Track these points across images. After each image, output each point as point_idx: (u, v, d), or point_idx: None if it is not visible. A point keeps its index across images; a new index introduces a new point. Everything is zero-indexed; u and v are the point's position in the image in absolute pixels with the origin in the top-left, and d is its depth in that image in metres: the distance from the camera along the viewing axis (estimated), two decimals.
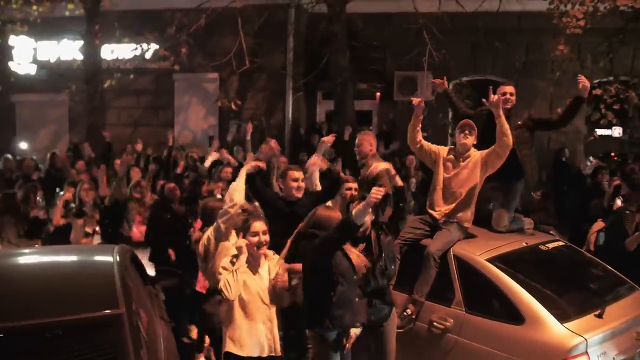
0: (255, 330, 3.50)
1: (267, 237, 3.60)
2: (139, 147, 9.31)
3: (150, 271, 4.92)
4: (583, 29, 7.05)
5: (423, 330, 3.93)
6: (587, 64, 8.33)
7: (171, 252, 5.33)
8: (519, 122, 4.73)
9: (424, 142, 4.68)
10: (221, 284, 3.46)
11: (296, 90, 11.68)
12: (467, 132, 4.43)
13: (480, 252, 3.99)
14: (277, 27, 11.02)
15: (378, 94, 12.34)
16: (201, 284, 4.62)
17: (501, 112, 4.23)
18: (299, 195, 4.23)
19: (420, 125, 4.64)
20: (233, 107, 8.78)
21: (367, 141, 5.04)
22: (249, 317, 3.51)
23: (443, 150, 4.61)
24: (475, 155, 4.43)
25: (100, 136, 10.59)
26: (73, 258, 3.59)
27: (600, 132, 12.00)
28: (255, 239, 3.55)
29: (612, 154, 11.98)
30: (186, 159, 8.56)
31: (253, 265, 3.61)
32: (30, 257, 3.68)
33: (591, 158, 10.61)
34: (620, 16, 7.85)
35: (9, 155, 9.35)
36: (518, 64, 11.32)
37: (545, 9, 7.95)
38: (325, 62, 10.15)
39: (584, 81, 4.41)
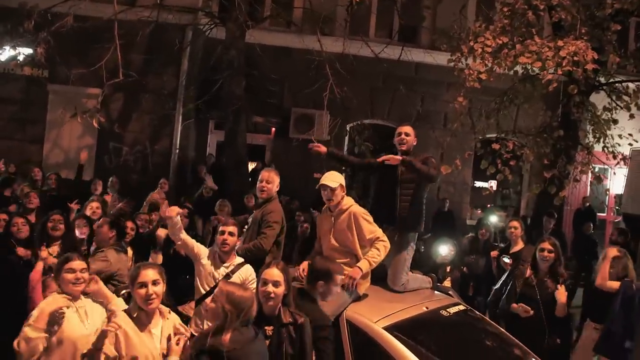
0: None
1: (158, 289, 2.97)
2: None
3: None
4: (482, 83, 7.12)
5: None
6: (482, 120, 8.50)
7: None
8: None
9: None
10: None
11: (186, 116, 10.87)
12: (328, 191, 4.04)
13: (377, 319, 3.46)
14: (170, 47, 10.21)
15: (273, 129, 11.91)
16: None
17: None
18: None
19: None
20: (95, 124, 7.74)
21: (276, 181, 4.60)
22: None
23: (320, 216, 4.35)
24: (348, 210, 4.05)
25: None
26: None
27: (478, 184, 12.47)
28: (143, 290, 2.93)
29: (488, 205, 12.48)
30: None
31: (141, 321, 2.95)
32: None
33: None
34: (511, 78, 8.16)
35: None
36: (413, 112, 11.52)
37: (447, 60, 8.01)
38: (219, 88, 9.52)
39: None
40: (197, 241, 4.17)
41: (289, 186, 4.97)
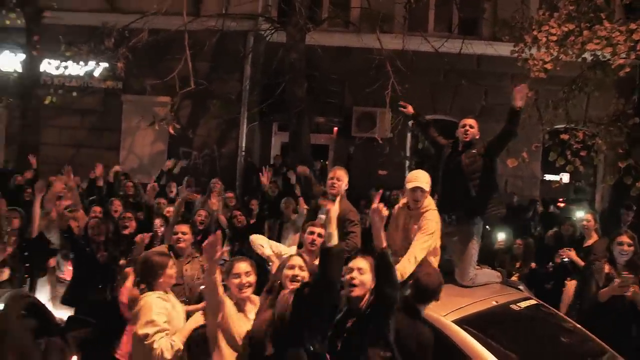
0: None
1: (251, 279, 3.31)
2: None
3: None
4: (548, 72, 6.90)
5: None
6: (549, 110, 8.20)
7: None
8: (474, 151, 4.48)
9: None
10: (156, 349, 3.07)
11: (251, 120, 11.21)
12: (419, 193, 4.05)
13: (446, 312, 3.49)
14: (233, 53, 10.57)
15: (335, 128, 12.03)
16: (123, 352, 3.84)
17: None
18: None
19: None
20: (171, 130, 8.17)
21: (344, 179, 4.64)
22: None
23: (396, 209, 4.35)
24: (425, 214, 4.06)
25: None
26: None
27: (548, 177, 12.05)
28: (237, 280, 3.29)
29: (560, 200, 12.02)
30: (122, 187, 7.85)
31: (240, 307, 3.35)
32: None
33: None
34: (579, 65, 7.83)
35: None
36: (477, 106, 11.31)
37: (509, 51, 7.82)
38: (282, 92, 9.75)
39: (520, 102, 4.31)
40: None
41: (351, 184, 5.07)
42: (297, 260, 3.24)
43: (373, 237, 3.06)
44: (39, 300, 3.40)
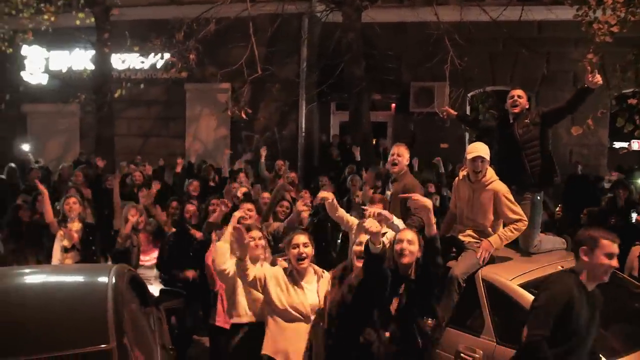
0: (284, 338, 3.46)
1: (308, 250, 3.52)
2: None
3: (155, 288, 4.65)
4: (614, 35, 6.65)
5: None
6: (617, 74, 7.88)
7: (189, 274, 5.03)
8: (526, 121, 4.48)
9: None
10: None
11: (309, 101, 11.42)
12: (479, 163, 4.06)
13: (513, 277, 3.62)
14: (290, 36, 10.81)
15: (393, 105, 12.05)
16: (222, 319, 4.21)
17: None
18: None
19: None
20: (243, 116, 8.49)
21: (406, 155, 4.77)
22: (280, 325, 3.48)
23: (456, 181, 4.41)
24: (491, 186, 4.08)
25: (109, 147, 10.44)
26: (64, 280, 3.26)
27: (618, 144, 11.59)
28: (295, 250, 3.51)
29: (636, 167, 11.53)
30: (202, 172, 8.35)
31: (294, 277, 3.55)
32: (15, 279, 3.31)
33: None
34: None
35: (13, 165, 9.15)
36: (538, 75, 11.01)
37: (572, 15, 7.58)
38: (340, 72, 9.87)
39: (597, 79, 4.22)
40: None
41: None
42: (364, 238, 3.44)
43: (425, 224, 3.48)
44: (137, 274, 3.78)
